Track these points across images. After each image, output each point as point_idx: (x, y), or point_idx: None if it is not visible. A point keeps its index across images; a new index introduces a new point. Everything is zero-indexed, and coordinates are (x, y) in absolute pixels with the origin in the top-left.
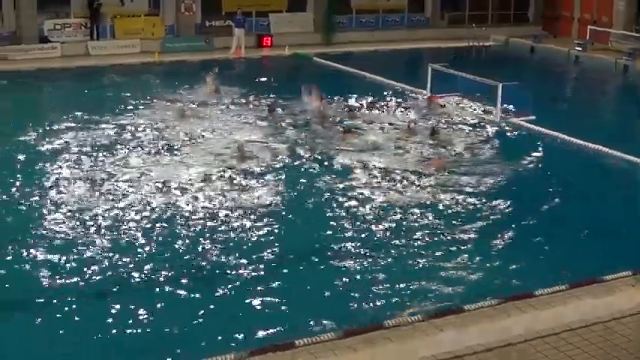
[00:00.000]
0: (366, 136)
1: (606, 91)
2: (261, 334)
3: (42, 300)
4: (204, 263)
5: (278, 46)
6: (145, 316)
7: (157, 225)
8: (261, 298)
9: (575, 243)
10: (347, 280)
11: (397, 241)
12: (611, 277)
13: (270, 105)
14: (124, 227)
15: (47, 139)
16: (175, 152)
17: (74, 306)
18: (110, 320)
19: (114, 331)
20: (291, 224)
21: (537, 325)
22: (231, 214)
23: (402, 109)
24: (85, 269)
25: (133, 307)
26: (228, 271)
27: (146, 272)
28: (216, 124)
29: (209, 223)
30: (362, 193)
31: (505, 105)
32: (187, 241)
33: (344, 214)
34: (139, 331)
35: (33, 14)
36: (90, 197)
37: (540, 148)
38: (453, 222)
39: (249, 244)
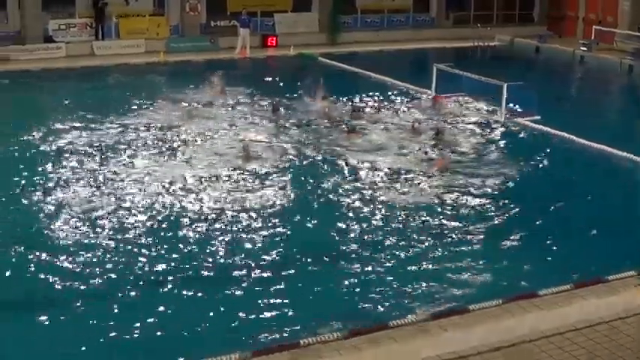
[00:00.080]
0: (371, 136)
1: (611, 91)
2: (266, 333)
3: (46, 300)
4: (208, 263)
5: (283, 46)
6: (150, 315)
7: (162, 225)
8: (265, 298)
9: (580, 243)
10: (351, 279)
11: (401, 241)
12: (616, 277)
13: (274, 105)
14: (129, 227)
15: (51, 140)
16: (180, 152)
17: (78, 306)
18: (114, 320)
19: (118, 331)
20: (295, 224)
21: (542, 325)
22: (236, 214)
23: (407, 109)
24: (89, 270)
25: (137, 306)
26: (233, 271)
27: (151, 272)
28: (221, 124)
29: (213, 223)
30: (366, 193)
31: (510, 105)
32: (191, 240)
33: (348, 214)
34: (143, 330)
35: (38, 14)
36: (95, 198)
37: (545, 148)
38: (457, 222)
39: (254, 244)
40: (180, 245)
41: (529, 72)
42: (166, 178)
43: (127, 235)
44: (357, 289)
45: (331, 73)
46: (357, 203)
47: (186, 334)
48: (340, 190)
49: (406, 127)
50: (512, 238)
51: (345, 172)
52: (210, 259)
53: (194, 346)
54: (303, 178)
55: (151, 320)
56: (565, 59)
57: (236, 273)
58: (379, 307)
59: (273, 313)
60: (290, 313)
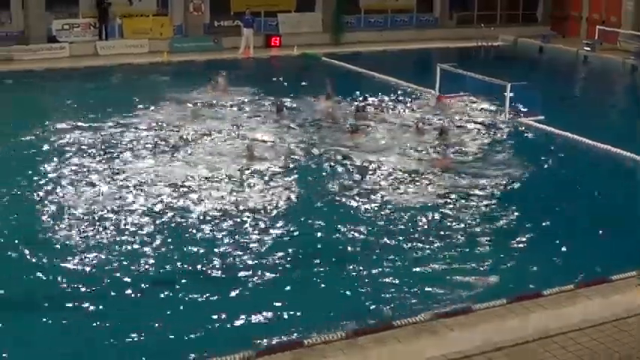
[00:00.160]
0: (374, 135)
1: (614, 90)
2: (269, 333)
3: (48, 301)
4: (211, 263)
5: (286, 46)
6: (152, 315)
7: (165, 225)
8: (268, 298)
9: (584, 243)
10: (355, 279)
11: (404, 241)
12: (620, 277)
13: (278, 105)
14: (132, 227)
15: (54, 139)
16: (183, 152)
17: (79, 307)
18: (119, 320)
19: (120, 331)
20: (299, 224)
21: (546, 325)
22: (240, 214)
23: (411, 109)
24: (91, 270)
25: (140, 306)
26: (236, 271)
27: (154, 272)
28: (225, 124)
29: (216, 223)
30: (370, 193)
31: (514, 105)
32: (193, 240)
33: (352, 213)
34: (146, 331)
35: (41, 14)
36: (98, 198)
37: (549, 148)
38: (460, 222)
39: (257, 244)
40: (183, 245)
41: (533, 72)
42: (170, 178)
43: (129, 235)
44: (361, 289)
45: (335, 73)
46: (361, 203)
47: (190, 333)
48: (344, 190)
49: (410, 127)
50: (515, 237)
51: (349, 172)
52: (214, 259)
53: (198, 345)
54: (307, 178)
55: (153, 320)
56: (568, 59)
57: (239, 273)
58: (383, 306)
59: (277, 313)
60: (293, 313)
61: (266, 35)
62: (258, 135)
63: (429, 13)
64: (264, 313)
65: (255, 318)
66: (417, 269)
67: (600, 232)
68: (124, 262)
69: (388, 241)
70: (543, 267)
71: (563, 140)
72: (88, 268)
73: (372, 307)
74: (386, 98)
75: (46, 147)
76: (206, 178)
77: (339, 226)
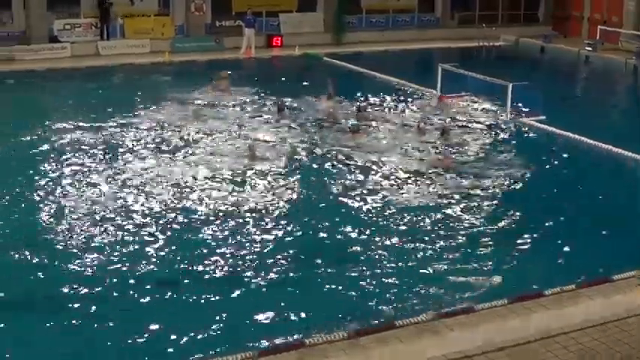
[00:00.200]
0: (376, 135)
1: (616, 91)
2: (272, 333)
3: (48, 301)
4: (213, 263)
5: (288, 46)
6: (155, 316)
7: (167, 225)
8: (271, 298)
9: (586, 242)
10: (357, 279)
11: (406, 241)
12: (622, 277)
13: (279, 105)
14: (133, 228)
15: (56, 139)
16: (185, 152)
17: (82, 308)
18: (121, 321)
19: (124, 331)
20: (300, 224)
21: (547, 325)
22: (242, 213)
23: (412, 109)
24: (92, 270)
25: (143, 306)
26: (239, 271)
27: (157, 272)
28: (227, 124)
29: (219, 223)
30: (372, 194)
31: (515, 105)
32: (195, 240)
33: (354, 214)
34: (148, 331)
35: (43, 14)
36: (100, 198)
37: (550, 148)
38: (461, 222)
39: (258, 245)
40: (184, 245)
41: (534, 72)
42: (171, 178)
43: (130, 236)
44: (363, 289)
45: (336, 73)
46: (363, 203)
47: (192, 333)
48: (345, 191)
49: (411, 127)
50: (516, 237)
51: (350, 172)
52: (215, 259)
53: (201, 345)
54: (308, 178)
55: (155, 321)
56: (570, 59)
57: (241, 273)
58: (385, 306)
59: (279, 313)
60: (295, 313)
61: (267, 35)
62: (260, 135)
63: (430, 13)
64: (267, 313)
65: (258, 318)
66: (419, 269)
67: (601, 231)
68: (125, 263)
69: (390, 241)
70: (545, 267)
71: (564, 140)
72: (89, 269)
73: (374, 307)
74: (387, 98)
75: (47, 147)
76: (208, 178)
77: (340, 226)
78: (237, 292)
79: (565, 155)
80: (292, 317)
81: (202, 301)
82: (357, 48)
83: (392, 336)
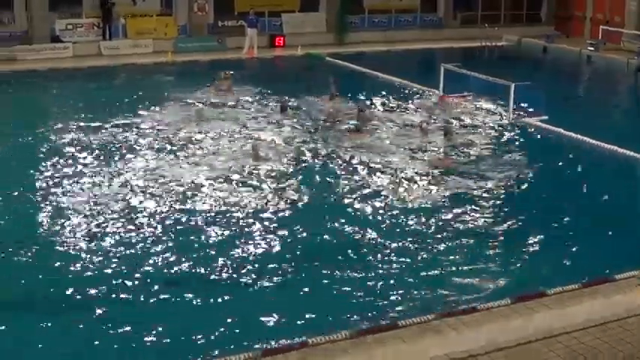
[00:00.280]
0: (378, 135)
1: (618, 90)
2: (275, 333)
3: (49, 301)
4: (215, 263)
5: (290, 46)
6: (158, 316)
7: (169, 226)
8: (273, 298)
9: (588, 242)
10: (359, 279)
11: (409, 241)
12: (624, 276)
13: (282, 105)
14: (136, 228)
15: (57, 140)
16: (188, 153)
17: (83, 308)
18: (123, 322)
19: (126, 332)
20: (304, 224)
21: (550, 325)
22: (245, 213)
23: (414, 109)
24: (94, 271)
25: (145, 307)
26: (241, 271)
27: (159, 272)
28: (229, 124)
29: (222, 224)
30: (373, 193)
31: (518, 105)
32: (197, 241)
33: (356, 214)
34: (151, 331)
35: (44, 14)
36: (102, 199)
37: (553, 148)
38: (463, 222)
39: (262, 244)
40: (186, 245)
41: (536, 72)
42: (174, 179)
43: (132, 236)
44: (366, 289)
45: (339, 73)
46: (365, 203)
47: (194, 334)
48: (348, 191)
49: (414, 127)
50: (519, 237)
51: (353, 172)
52: (218, 259)
53: (204, 345)
54: (311, 178)
55: (157, 321)
56: (572, 59)
57: (244, 273)
58: (388, 306)
59: (282, 313)
60: (299, 313)
61: (270, 35)
62: (263, 135)
63: (432, 13)
64: (270, 313)
65: (261, 318)
66: (421, 269)
67: (603, 231)
68: (127, 263)
69: (392, 241)
70: (546, 266)
71: (567, 140)
72: (90, 269)
73: (377, 307)
74: (390, 98)
75: (49, 147)
76: (211, 178)
77: (342, 225)
78: (240, 292)
79: (567, 155)
80: (296, 317)
81: (204, 300)
82: (360, 48)
83: (395, 336)
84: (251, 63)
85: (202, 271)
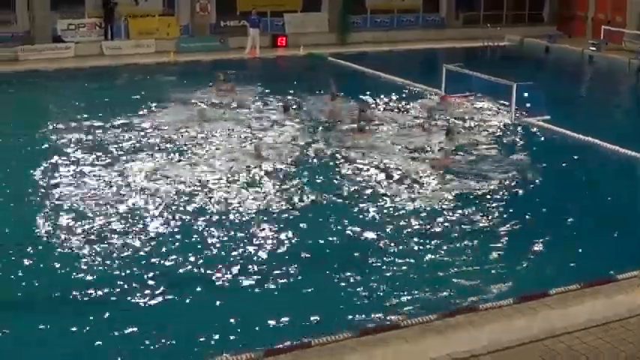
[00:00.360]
0: (380, 135)
1: (620, 90)
2: (277, 332)
3: (49, 302)
4: (218, 263)
5: (293, 46)
6: (160, 316)
7: (172, 226)
8: (276, 298)
9: (590, 242)
10: (361, 279)
11: (411, 241)
12: (626, 276)
13: (284, 105)
14: (138, 228)
15: (59, 139)
16: (190, 153)
17: (84, 308)
18: (125, 322)
19: (128, 332)
20: (306, 224)
21: (552, 325)
22: (248, 214)
23: (416, 109)
24: (96, 271)
25: (146, 307)
26: (243, 271)
27: (161, 272)
28: (232, 124)
29: (224, 224)
30: (375, 194)
31: (520, 105)
32: (201, 241)
33: (358, 214)
34: (153, 331)
35: (46, 14)
36: (103, 199)
37: (555, 148)
38: (465, 222)
39: (265, 244)
40: (189, 246)
41: (539, 72)
42: (176, 179)
43: (134, 236)
44: (367, 289)
45: (341, 73)
46: (367, 203)
47: (196, 334)
48: (350, 191)
49: (416, 126)
50: (521, 237)
51: (355, 172)
52: (220, 259)
53: (206, 345)
54: (313, 178)
55: (160, 320)
56: (574, 59)
57: (247, 273)
58: (389, 306)
59: (284, 313)
60: (301, 313)
61: (272, 35)
62: (265, 135)
63: (435, 13)
64: (272, 313)
65: (263, 318)
66: (423, 269)
67: (605, 231)
68: (129, 264)
69: (394, 242)
70: (549, 266)
71: (569, 140)
72: (90, 269)
73: (379, 307)
74: (392, 98)
75: (50, 147)
76: (213, 178)
77: (344, 226)
78: (243, 292)
79: (569, 155)
80: (298, 317)
81: (207, 300)
82: (362, 48)
83: (397, 336)
84: (253, 63)
85: (205, 271)
